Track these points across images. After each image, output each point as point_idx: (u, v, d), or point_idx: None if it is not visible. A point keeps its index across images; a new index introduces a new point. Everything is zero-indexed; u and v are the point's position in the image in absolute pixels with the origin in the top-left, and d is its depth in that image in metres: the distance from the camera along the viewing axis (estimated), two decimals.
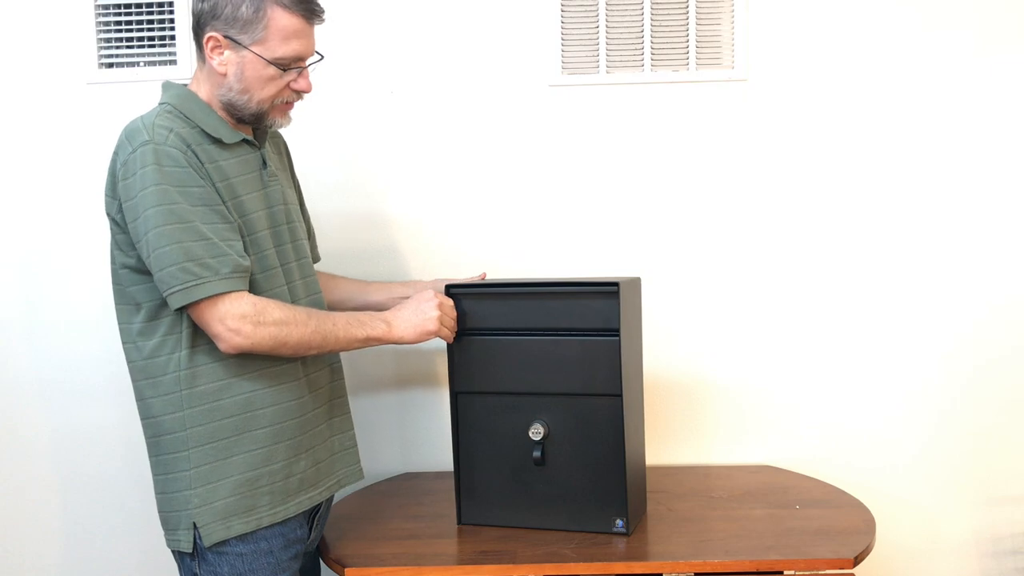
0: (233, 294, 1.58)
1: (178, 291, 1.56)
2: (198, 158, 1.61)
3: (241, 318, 1.57)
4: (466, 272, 2.28)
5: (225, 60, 1.65)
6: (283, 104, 1.71)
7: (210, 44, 1.65)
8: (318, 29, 2.22)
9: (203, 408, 1.64)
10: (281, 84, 1.68)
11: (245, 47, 1.64)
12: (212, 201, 1.60)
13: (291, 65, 1.67)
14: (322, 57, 1.77)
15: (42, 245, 2.33)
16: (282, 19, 1.64)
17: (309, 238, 1.94)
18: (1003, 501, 2.32)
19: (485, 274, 2.15)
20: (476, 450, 1.90)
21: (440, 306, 1.80)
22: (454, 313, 1.85)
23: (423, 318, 1.77)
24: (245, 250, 1.64)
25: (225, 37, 1.64)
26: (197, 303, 1.57)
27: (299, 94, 1.72)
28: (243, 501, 1.65)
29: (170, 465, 1.65)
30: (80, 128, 2.31)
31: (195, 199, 1.58)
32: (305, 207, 1.94)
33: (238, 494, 1.64)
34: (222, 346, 1.60)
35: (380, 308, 1.92)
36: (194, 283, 1.56)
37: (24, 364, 2.35)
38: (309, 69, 1.73)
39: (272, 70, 1.65)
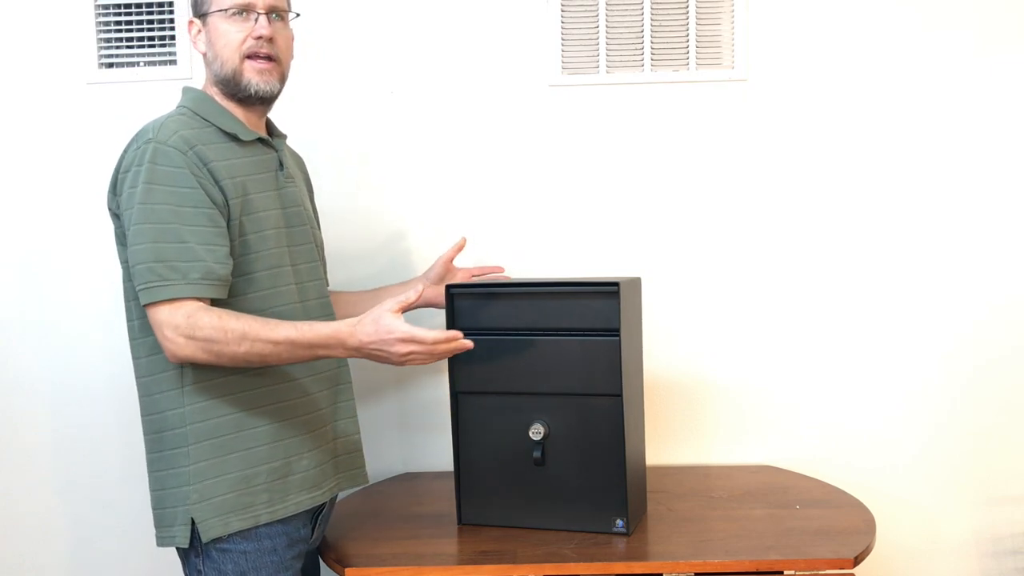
0: (175, 303, 1.56)
1: (143, 289, 1.57)
2: (201, 158, 1.61)
3: (174, 329, 1.56)
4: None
5: (202, 39, 1.74)
6: (251, 60, 1.70)
7: (193, 31, 1.75)
8: (319, 26, 2.22)
9: (203, 404, 1.64)
10: (239, 34, 1.69)
11: (208, 14, 1.72)
12: (202, 204, 1.59)
13: (244, 11, 1.69)
14: (298, 14, 1.82)
15: (42, 245, 2.33)
16: None
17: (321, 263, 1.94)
18: (1003, 501, 2.32)
19: (465, 239, 2.15)
20: (476, 450, 1.90)
21: (408, 353, 1.57)
22: (427, 347, 1.57)
23: (384, 356, 1.59)
24: (244, 254, 1.65)
25: (197, 17, 1.74)
26: (152, 307, 1.58)
27: (260, 42, 1.70)
28: (241, 498, 1.65)
29: (169, 461, 1.66)
30: (80, 128, 2.31)
31: (183, 199, 1.58)
32: (320, 230, 1.94)
33: (236, 491, 1.65)
34: (166, 355, 1.60)
35: None
36: (157, 284, 1.56)
37: (24, 365, 2.35)
38: (293, 25, 1.80)
39: (227, 23, 1.69)
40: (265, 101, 1.74)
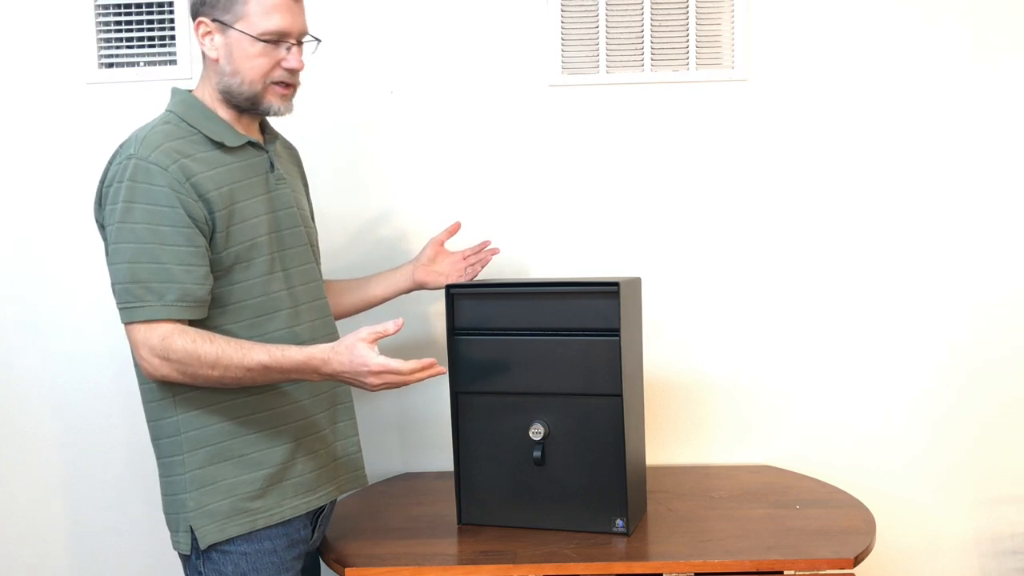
0: (151, 323, 1.56)
1: (121, 309, 1.58)
2: (185, 173, 1.59)
3: (149, 350, 1.57)
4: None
5: (216, 44, 1.67)
6: (277, 85, 1.68)
7: (201, 30, 1.67)
8: (319, 26, 2.21)
9: (195, 413, 1.64)
10: (270, 62, 1.66)
11: (230, 27, 1.65)
12: (180, 223, 1.57)
13: (279, 40, 1.66)
14: (319, 40, 1.77)
15: (43, 245, 2.33)
16: None
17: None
18: (1003, 501, 2.32)
19: (459, 223, 2.12)
20: (476, 450, 1.90)
21: (382, 384, 1.57)
22: (402, 377, 1.56)
23: (358, 385, 1.60)
24: (234, 264, 1.64)
25: (213, 20, 1.66)
26: (129, 327, 1.58)
27: (291, 73, 1.69)
28: (237, 504, 1.65)
29: (169, 468, 1.66)
30: (80, 128, 2.31)
31: (161, 219, 1.57)
32: (314, 223, 1.92)
33: (232, 497, 1.65)
34: (144, 374, 1.62)
35: (384, 300, 2.04)
36: (133, 305, 1.56)
37: (27, 364, 2.35)
38: (306, 49, 1.72)
39: (258, 47, 1.64)
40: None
